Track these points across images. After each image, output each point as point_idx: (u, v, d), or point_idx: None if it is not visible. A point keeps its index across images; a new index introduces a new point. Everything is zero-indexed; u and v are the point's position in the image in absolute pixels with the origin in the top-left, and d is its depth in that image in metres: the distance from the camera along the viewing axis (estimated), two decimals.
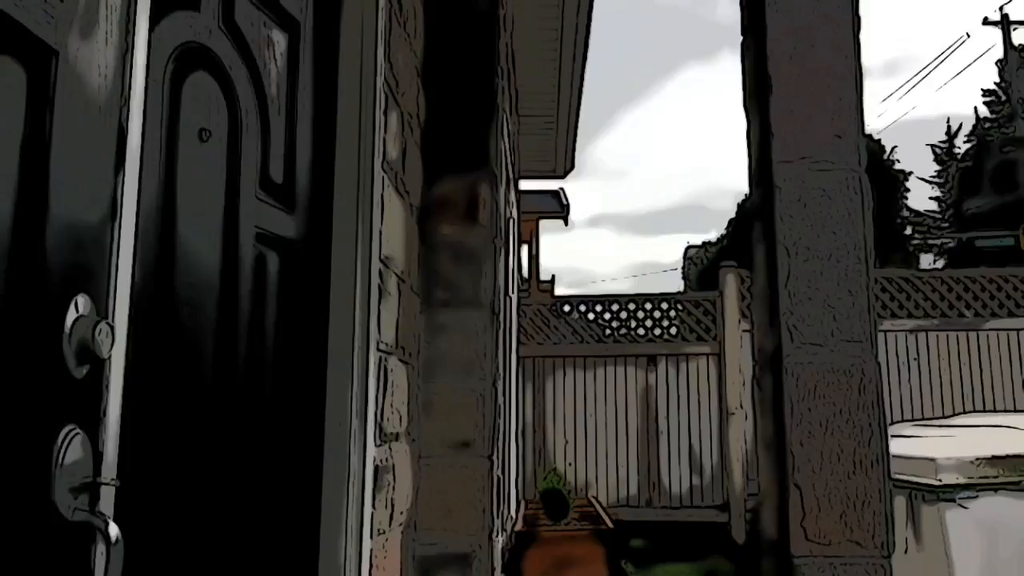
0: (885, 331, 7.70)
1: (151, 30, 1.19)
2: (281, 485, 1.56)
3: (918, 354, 7.91)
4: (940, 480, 3.63)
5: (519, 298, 7.40)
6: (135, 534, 0.92)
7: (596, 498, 7.10)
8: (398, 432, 2.29)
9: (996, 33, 20.14)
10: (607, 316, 8.18)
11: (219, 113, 1.42)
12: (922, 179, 25.65)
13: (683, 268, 30.54)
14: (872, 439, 2.29)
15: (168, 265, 1.20)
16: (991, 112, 23.88)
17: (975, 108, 26.08)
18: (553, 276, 14.60)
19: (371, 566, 1.88)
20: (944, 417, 6.48)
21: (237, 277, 1.43)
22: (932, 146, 26.11)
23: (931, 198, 25.69)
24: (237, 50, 1.49)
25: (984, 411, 7.54)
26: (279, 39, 1.65)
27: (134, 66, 0.93)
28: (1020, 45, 20.45)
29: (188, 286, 1.26)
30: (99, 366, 0.85)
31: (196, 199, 1.32)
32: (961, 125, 26.14)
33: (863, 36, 2.53)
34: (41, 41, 0.78)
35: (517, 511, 5.92)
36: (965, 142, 24.91)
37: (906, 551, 3.61)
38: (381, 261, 1.98)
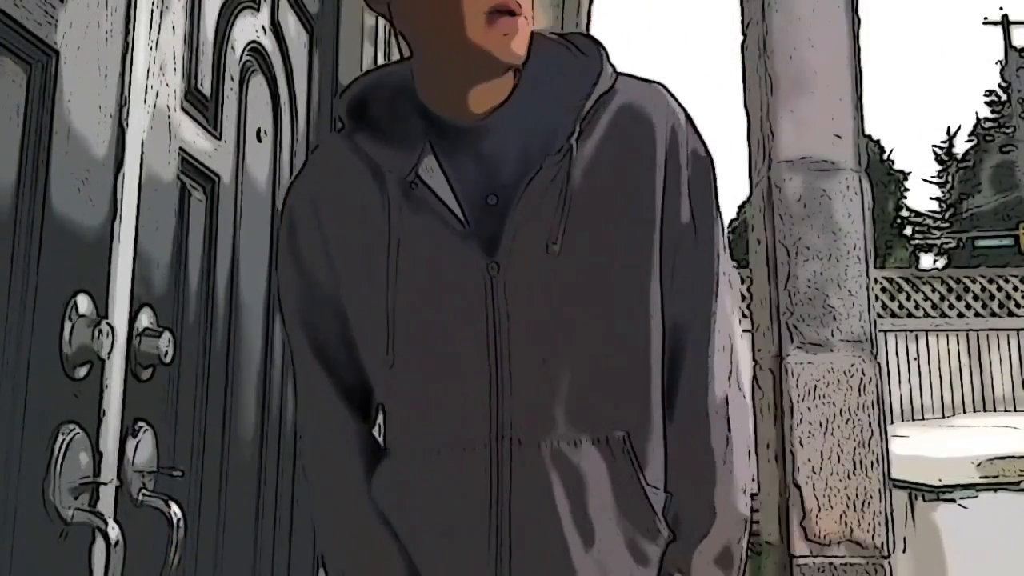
0: (885, 331, 7.70)
1: (227, 28, 1.27)
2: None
3: (918, 354, 7.92)
4: (940, 480, 3.63)
5: None
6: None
7: None
8: None
9: (996, 33, 20.15)
10: None
11: (267, 113, 1.47)
12: (922, 179, 25.68)
13: None
14: (872, 439, 2.29)
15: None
16: (991, 112, 23.87)
17: (975, 108, 26.11)
18: None
19: None
20: (944, 417, 6.47)
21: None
22: (932, 146, 26.14)
23: (931, 198, 25.72)
24: (280, 51, 1.52)
25: (984, 411, 7.54)
26: (304, 39, 1.67)
27: (134, 66, 0.93)
28: (1021, 47, 20.46)
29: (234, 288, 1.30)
30: (99, 366, 0.85)
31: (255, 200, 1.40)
32: (961, 126, 26.18)
33: (863, 36, 2.53)
34: (41, 41, 0.78)
35: None
36: (965, 142, 24.91)
37: (905, 551, 3.61)
38: None
